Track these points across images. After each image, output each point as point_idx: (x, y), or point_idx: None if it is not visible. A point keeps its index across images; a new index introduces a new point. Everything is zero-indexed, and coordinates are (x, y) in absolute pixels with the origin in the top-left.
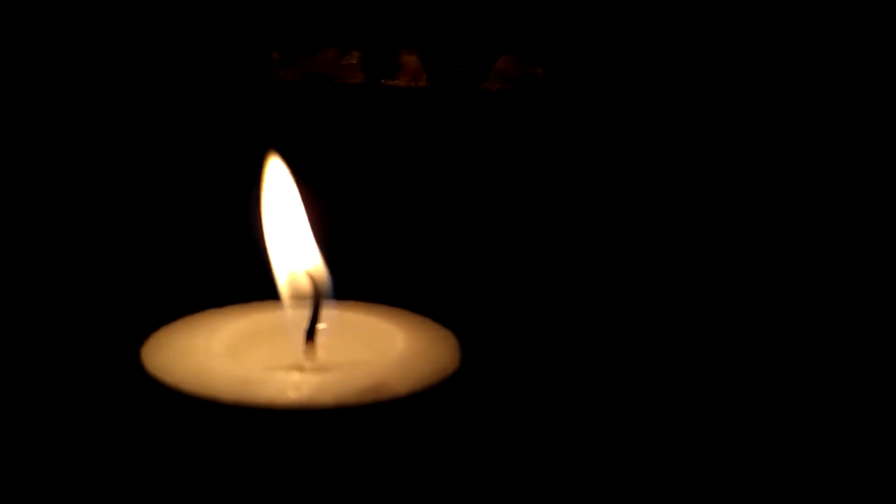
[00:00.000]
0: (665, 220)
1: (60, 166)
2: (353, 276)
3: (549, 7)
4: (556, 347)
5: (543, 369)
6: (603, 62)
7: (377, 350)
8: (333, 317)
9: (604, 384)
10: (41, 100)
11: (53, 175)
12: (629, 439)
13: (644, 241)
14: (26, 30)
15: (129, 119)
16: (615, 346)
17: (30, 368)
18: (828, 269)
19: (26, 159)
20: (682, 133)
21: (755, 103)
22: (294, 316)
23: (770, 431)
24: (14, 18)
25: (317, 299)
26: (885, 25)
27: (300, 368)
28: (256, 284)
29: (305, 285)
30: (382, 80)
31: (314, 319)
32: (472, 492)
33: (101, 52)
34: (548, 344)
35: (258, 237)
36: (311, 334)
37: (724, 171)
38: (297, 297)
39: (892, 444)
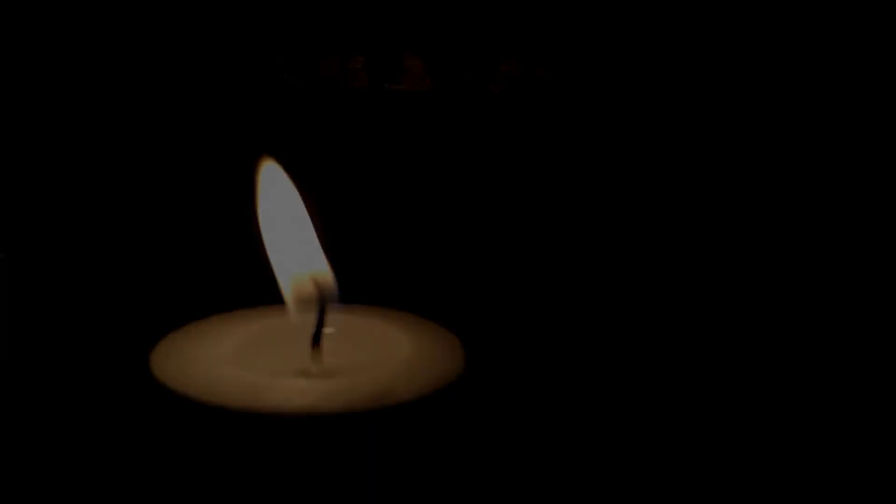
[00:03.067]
0: (668, 222)
1: (67, 173)
2: (359, 280)
3: (553, 10)
4: (560, 352)
5: (547, 374)
6: (607, 64)
7: (382, 354)
8: (339, 321)
9: (607, 388)
10: (50, 107)
11: (60, 182)
12: (631, 444)
13: (647, 243)
14: (33, 30)
15: (134, 124)
16: (619, 351)
17: (40, 375)
18: (828, 268)
19: (33, 163)
20: (685, 135)
21: (757, 105)
22: (300, 321)
23: (770, 431)
24: (25, 18)
25: (323, 304)
26: (886, 25)
27: (307, 373)
28: (263, 290)
29: (311, 290)
30: (387, 84)
31: (320, 324)
32: (477, 495)
33: (108, 58)
34: (552, 348)
35: (263, 242)
36: (317, 339)
37: (726, 172)
38: (303, 301)
39: (893, 444)
